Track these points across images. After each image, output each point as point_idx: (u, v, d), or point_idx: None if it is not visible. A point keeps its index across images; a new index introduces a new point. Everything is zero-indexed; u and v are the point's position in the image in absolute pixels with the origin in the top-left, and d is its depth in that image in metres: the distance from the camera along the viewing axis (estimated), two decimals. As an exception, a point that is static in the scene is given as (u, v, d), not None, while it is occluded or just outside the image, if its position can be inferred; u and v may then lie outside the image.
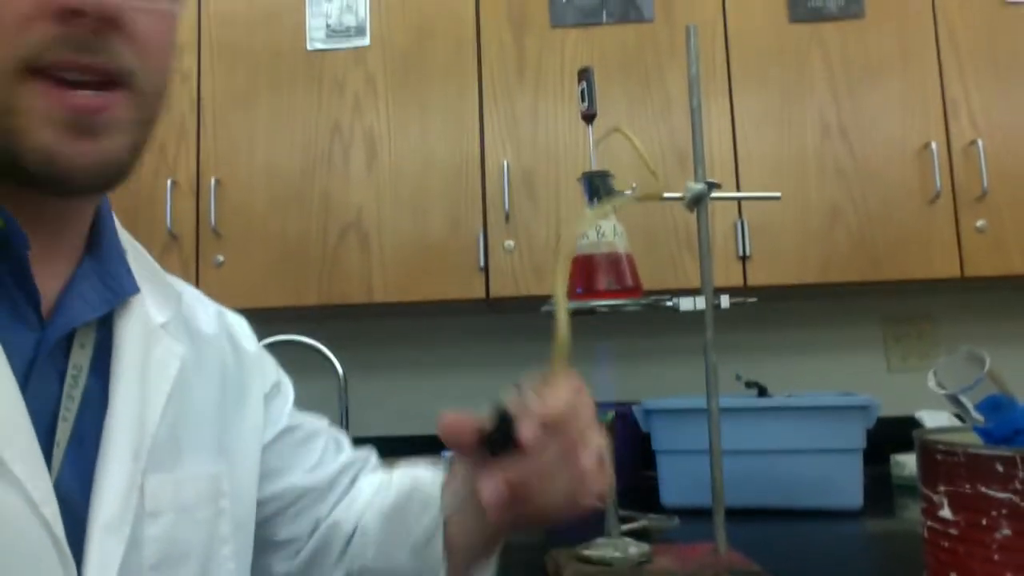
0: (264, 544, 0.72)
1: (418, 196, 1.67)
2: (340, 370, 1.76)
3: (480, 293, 1.63)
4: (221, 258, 1.69)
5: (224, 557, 0.64)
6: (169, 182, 1.68)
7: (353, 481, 0.78)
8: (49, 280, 0.55)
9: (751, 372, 1.63)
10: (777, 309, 1.95)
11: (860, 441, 1.37)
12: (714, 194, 1.06)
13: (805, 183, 1.63)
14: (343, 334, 1.96)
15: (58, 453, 0.52)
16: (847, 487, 1.37)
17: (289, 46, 1.72)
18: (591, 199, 1.06)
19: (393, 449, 1.90)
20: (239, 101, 1.72)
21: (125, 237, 0.65)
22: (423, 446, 1.95)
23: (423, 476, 0.74)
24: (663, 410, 1.47)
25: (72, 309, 0.55)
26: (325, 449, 0.78)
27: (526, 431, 0.51)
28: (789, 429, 1.39)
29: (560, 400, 0.53)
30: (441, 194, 1.67)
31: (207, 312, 0.73)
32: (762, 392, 1.57)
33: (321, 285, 1.68)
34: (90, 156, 0.50)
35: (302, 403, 0.79)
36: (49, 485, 0.50)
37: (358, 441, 0.79)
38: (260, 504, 0.71)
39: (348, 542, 0.73)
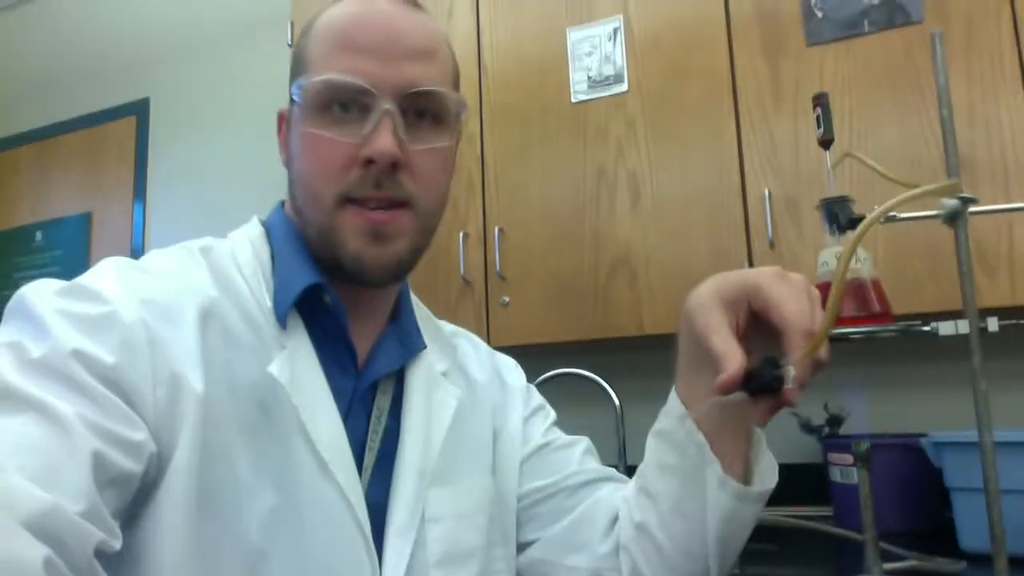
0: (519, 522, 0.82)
1: (682, 229, 1.72)
2: (616, 400, 1.84)
3: (747, 322, 1.62)
4: (507, 299, 1.87)
5: (497, 559, 0.77)
6: (461, 234, 1.91)
7: (613, 486, 0.84)
8: (363, 341, 0.74)
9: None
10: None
11: None
12: (974, 208, 0.98)
13: None
14: (618, 366, 2.05)
15: (366, 475, 0.69)
16: None
17: (555, 101, 1.87)
18: (831, 226, 1.04)
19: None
20: (515, 155, 1.91)
21: (416, 304, 0.84)
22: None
23: None
24: (955, 443, 1.34)
25: (378, 363, 0.74)
26: (584, 454, 0.87)
27: (791, 395, 0.59)
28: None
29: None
30: (704, 226, 1.70)
31: (480, 357, 0.89)
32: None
33: (596, 319, 1.78)
34: (383, 257, 0.68)
35: (581, 432, 0.89)
36: (361, 494, 0.67)
37: (635, 469, 0.85)
38: (520, 499, 0.82)
39: (614, 520, 0.80)
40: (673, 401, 0.73)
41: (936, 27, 1.55)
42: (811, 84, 1.61)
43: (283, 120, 0.76)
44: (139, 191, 2.86)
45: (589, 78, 1.83)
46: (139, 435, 0.56)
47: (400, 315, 0.78)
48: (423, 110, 0.70)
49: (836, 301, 0.58)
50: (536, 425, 0.87)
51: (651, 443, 0.76)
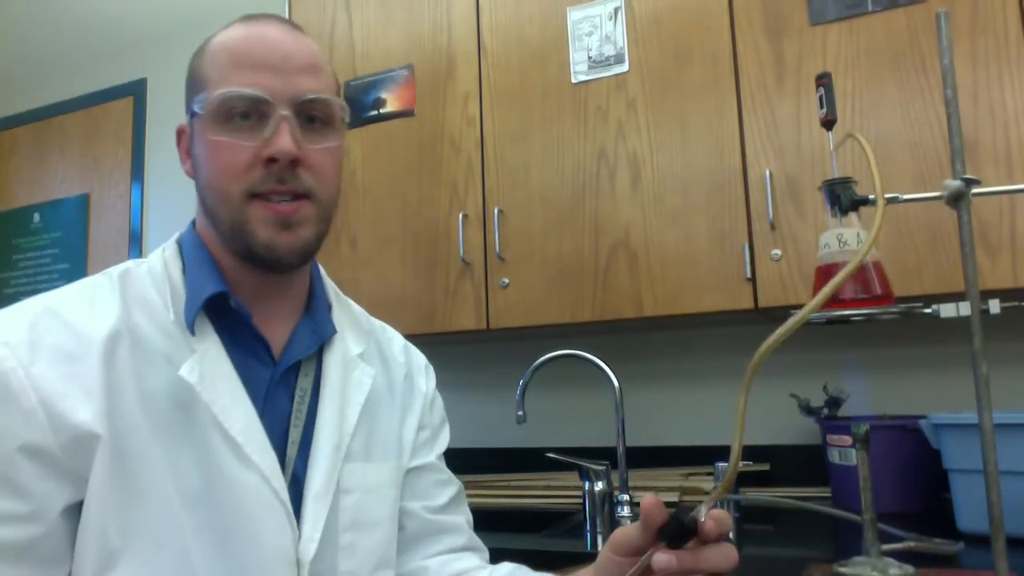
0: None
1: (683, 211, 1.71)
2: (616, 382, 1.84)
3: (747, 303, 1.62)
4: (506, 280, 1.86)
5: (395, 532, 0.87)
6: (461, 216, 1.91)
7: (462, 549, 0.93)
8: (279, 331, 0.85)
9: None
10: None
11: None
12: (976, 190, 0.98)
13: None
14: (617, 347, 2.05)
15: (292, 448, 0.80)
16: None
17: (555, 82, 1.86)
18: (833, 208, 1.03)
19: (664, 458, 1.94)
20: (515, 136, 1.90)
21: (334, 298, 0.93)
22: (695, 456, 1.97)
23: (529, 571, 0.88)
24: (955, 425, 1.34)
25: (292, 351, 0.85)
26: (453, 501, 0.96)
27: (707, 526, 0.62)
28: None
29: (726, 524, 0.63)
30: (705, 208, 1.69)
31: (396, 348, 0.99)
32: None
33: (595, 301, 1.78)
34: (292, 242, 0.79)
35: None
36: (277, 466, 0.77)
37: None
38: None
39: None
40: None
41: (941, 6, 1.53)
42: (814, 64, 1.60)
43: (183, 134, 0.87)
44: (137, 172, 2.85)
45: (589, 58, 1.81)
46: (24, 507, 0.67)
47: (312, 308, 0.89)
48: (314, 116, 0.81)
49: (736, 458, 0.63)
50: (430, 444, 0.97)
51: None
